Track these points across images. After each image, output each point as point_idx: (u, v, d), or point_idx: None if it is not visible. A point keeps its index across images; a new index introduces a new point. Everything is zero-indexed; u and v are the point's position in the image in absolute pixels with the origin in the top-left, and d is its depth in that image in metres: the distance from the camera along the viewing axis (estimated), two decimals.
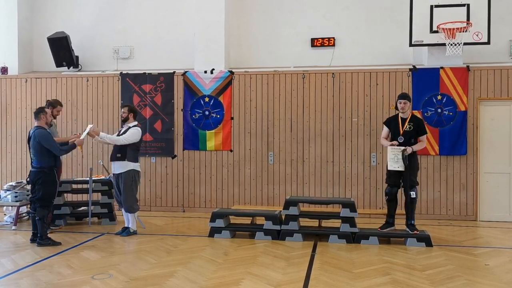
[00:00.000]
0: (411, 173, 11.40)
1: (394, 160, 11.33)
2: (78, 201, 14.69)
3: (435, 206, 14.50)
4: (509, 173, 14.22)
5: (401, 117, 11.67)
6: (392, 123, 11.78)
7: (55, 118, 12.99)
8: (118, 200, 12.57)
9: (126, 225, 12.54)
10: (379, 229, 11.77)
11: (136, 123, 12.58)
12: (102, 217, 13.86)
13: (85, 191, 14.12)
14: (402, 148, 11.29)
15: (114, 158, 12.31)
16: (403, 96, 11.72)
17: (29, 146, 11.59)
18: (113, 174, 12.48)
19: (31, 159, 11.50)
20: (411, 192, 11.42)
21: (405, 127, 11.53)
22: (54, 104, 12.86)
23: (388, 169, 11.46)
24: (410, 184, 11.41)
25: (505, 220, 14.17)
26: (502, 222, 14.07)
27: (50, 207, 11.67)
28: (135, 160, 12.36)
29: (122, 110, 12.65)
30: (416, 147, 11.46)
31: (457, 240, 12.09)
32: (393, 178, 11.56)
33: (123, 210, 12.45)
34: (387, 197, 11.77)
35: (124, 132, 12.29)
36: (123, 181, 12.20)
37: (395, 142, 11.42)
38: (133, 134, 12.23)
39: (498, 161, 14.28)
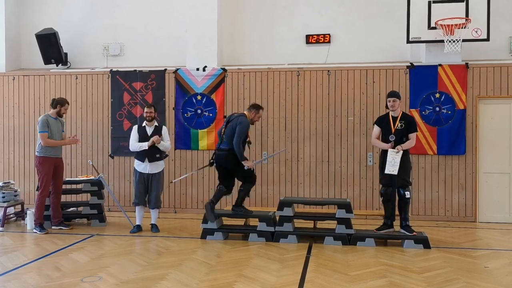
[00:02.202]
0: (404, 173, 11.38)
1: (391, 164, 11.31)
2: (68, 201, 14.61)
3: (433, 207, 14.49)
4: (509, 173, 14.23)
5: (392, 116, 11.66)
6: (383, 122, 11.77)
7: (61, 116, 13.30)
8: (140, 200, 12.90)
9: (152, 222, 13.14)
10: (375, 231, 11.76)
11: (157, 122, 13.19)
12: (92, 218, 13.79)
13: (74, 191, 14.13)
14: (397, 151, 11.29)
15: (154, 158, 12.84)
16: (392, 94, 11.69)
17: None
18: (144, 173, 12.82)
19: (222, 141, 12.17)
20: (405, 192, 11.42)
21: (396, 125, 11.51)
22: (62, 103, 13.22)
23: (385, 172, 11.45)
24: (403, 184, 11.40)
25: (504, 222, 14.18)
26: (502, 224, 14.08)
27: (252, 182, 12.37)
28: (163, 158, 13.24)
29: (148, 110, 12.96)
30: (405, 146, 11.42)
31: (455, 241, 12.08)
32: (388, 178, 11.54)
33: (149, 207, 13.01)
34: (382, 197, 11.75)
35: (155, 132, 12.87)
36: (159, 179, 12.94)
37: (399, 147, 11.37)
38: (168, 134, 13.40)
39: (497, 160, 14.29)
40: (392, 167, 11.29)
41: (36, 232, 12.74)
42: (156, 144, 12.60)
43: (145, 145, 12.63)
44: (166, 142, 12.91)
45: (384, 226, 11.74)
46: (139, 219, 13.01)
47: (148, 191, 12.88)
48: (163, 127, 13.16)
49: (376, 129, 11.84)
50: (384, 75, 14.71)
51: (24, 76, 16.53)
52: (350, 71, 14.88)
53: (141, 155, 12.77)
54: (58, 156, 13.02)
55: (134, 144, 12.77)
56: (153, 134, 12.74)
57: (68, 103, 13.30)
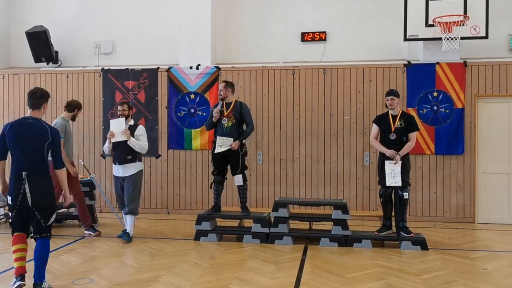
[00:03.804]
0: (403, 173, 11.36)
1: (391, 175, 11.29)
2: (58, 202, 14.59)
3: (431, 207, 14.51)
4: (508, 173, 14.24)
5: (391, 114, 11.65)
6: (382, 120, 11.76)
7: (74, 120, 13.08)
8: (121, 205, 12.37)
9: (125, 228, 12.37)
10: (376, 233, 11.74)
11: (133, 121, 12.45)
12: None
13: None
14: (395, 161, 11.26)
15: (124, 160, 12.07)
16: (390, 93, 11.67)
17: None
18: (118, 176, 12.24)
19: None
20: (404, 193, 11.41)
21: (396, 124, 11.50)
22: (79, 106, 13.05)
23: (387, 185, 11.41)
24: (402, 185, 11.39)
25: (503, 222, 14.19)
26: (501, 225, 14.09)
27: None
28: (141, 159, 12.46)
29: (121, 107, 12.24)
30: (405, 150, 11.40)
31: (454, 243, 12.10)
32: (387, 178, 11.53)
33: (123, 212, 12.33)
34: (381, 199, 11.74)
35: (130, 131, 12.11)
36: (133, 182, 12.11)
37: (397, 157, 11.34)
38: (146, 134, 12.38)
39: (496, 160, 14.30)
40: (393, 178, 11.25)
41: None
42: (128, 142, 11.88)
43: (105, 147, 12.36)
44: (142, 142, 12.10)
45: (385, 228, 11.73)
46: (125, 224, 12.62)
47: None
48: (139, 126, 12.42)
49: (375, 128, 11.81)
50: (381, 73, 14.71)
51: (14, 75, 16.50)
52: (346, 70, 14.88)
53: (113, 157, 12.35)
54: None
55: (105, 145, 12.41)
56: None
57: (81, 107, 13.17)
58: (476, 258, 10.72)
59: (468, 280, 9.14)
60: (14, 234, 8.57)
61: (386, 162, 11.33)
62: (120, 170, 12.14)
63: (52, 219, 8.58)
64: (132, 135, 12.00)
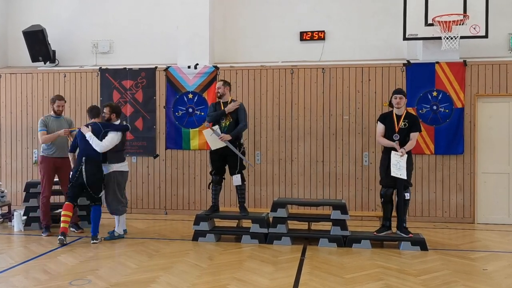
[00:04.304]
0: (406, 174, 11.35)
1: (397, 167, 11.26)
2: (56, 203, 14.57)
3: (431, 208, 14.50)
4: (508, 173, 14.24)
5: (396, 114, 11.62)
6: (386, 119, 11.71)
7: (58, 114, 13.16)
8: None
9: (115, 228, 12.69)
10: (375, 233, 11.73)
11: (118, 122, 12.54)
12: (81, 219, 13.73)
13: (63, 192, 14.04)
14: (401, 154, 11.24)
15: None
16: (398, 91, 11.62)
17: None
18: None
19: None
20: (405, 193, 11.40)
21: (400, 124, 11.48)
22: (52, 99, 13.20)
23: (391, 175, 11.39)
24: (404, 185, 11.37)
25: (503, 223, 14.19)
26: (501, 225, 14.09)
27: None
28: (118, 160, 12.36)
29: (104, 110, 12.54)
30: (408, 148, 11.37)
31: (453, 243, 12.09)
32: (389, 179, 11.50)
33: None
34: (382, 199, 11.71)
35: (105, 135, 12.12)
36: (106, 183, 12.24)
37: (403, 150, 11.32)
38: (111, 140, 12.11)
39: (496, 160, 14.30)
40: (399, 170, 11.21)
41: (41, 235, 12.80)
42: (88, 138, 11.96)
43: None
44: (104, 141, 11.96)
45: (384, 228, 11.72)
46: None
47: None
48: (110, 132, 12.17)
49: (380, 126, 11.73)
50: (380, 73, 14.70)
51: (11, 74, 16.48)
52: (345, 69, 14.87)
53: None
54: (60, 156, 12.84)
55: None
56: (104, 134, 12.20)
57: (59, 99, 13.11)
58: (476, 258, 10.71)
59: (468, 280, 9.14)
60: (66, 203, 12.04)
61: (393, 152, 11.25)
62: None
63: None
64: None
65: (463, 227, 13.91)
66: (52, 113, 13.09)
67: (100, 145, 11.93)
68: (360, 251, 11.23)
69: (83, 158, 11.82)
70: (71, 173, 12.12)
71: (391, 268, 9.92)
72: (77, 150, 12.19)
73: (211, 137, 11.99)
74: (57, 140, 12.77)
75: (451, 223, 14.26)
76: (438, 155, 14.41)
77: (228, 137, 11.90)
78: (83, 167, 11.78)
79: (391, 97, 11.76)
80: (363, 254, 10.99)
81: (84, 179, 11.78)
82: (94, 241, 11.82)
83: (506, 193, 14.27)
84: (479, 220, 14.33)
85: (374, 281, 9.13)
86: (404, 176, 11.20)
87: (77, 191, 11.98)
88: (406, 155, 11.24)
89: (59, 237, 11.60)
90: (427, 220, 14.41)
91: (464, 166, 14.35)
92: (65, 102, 13.43)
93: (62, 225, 11.75)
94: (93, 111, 12.55)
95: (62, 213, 11.86)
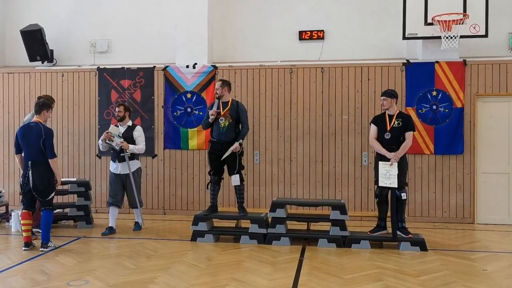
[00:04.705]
0: (400, 174, 11.33)
1: (385, 176, 11.26)
2: (54, 203, 14.60)
3: (430, 208, 14.50)
4: (508, 173, 14.24)
5: (388, 114, 11.66)
6: (379, 120, 11.76)
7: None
8: (113, 200, 13.07)
9: (111, 225, 13.04)
10: (369, 233, 11.76)
11: (131, 122, 13.26)
12: (79, 220, 13.75)
13: (61, 192, 14.00)
14: (391, 163, 11.23)
15: (122, 159, 12.92)
16: (383, 93, 11.78)
17: None
18: (117, 174, 13.04)
19: None
20: (401, 194, 11.39)
21: (392, 123, 11.50)
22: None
23: (380, 185, 11.41)
24: (399, 185, 11.34)
25: (503, 223, 14.19)
26: (501, 225, 14.09)
27: None
28: (138, 157, 13.25)
29: (118, 109, 13.11)
30: (401, 151, 11.38)
31: (453, 244, 12.10)
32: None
33: (112, 210, 13.11)
34: (377, 199, 11.74)
35: (127, 134, 12.97)
36: (134, 179, 12.99)
37: (395, 157, 11.33)
38: (143, 135, 13.33)
39: (496, 160, 14.30)
40: (388, 179, 11.20)
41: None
42: (125, 150, 12.73)
43: (99, 143, 13.09)
44: (140, 144, 13.03)
45: (378, 228, 11.74)
46: (112, 221, 13.06)
47: (124, 191, 13.18)
48: (137, 127, 13.26)
49: (373, 128, 11.78)
50: (380, 72, 14.70)
51: (8, 74, 16.47)
52: (344, 68, 14.87)
53: (112, 155, 13.15)
54: None
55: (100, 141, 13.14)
56: (124, 134, 12.90)
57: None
58: (475, 259, 10.71)
59: (468, 281, 9.13)
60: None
61: (380, 163, 11.30)
62: (119, 168, 12.96)
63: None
64: (131, 135, 12.95)
65: (463, 227, 13.91)
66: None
67: (142, 150, 13.20)
68: (359, 252, 11.22)
69: (29, 162, 11.13)
70: (20, 179, 11.53)
71: (390, 268, 9.91)
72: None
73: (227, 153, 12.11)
74: None
75: (451, 223, 14.25)
76: (438, 155, 14.40)
77: (238, 147, 11.98)
78: (30, 172, 11.10)
79: None
80: (362, 255, 10.98)
81: (31, 185, 11.09)
82: (43, 248, 11.33)
83: (506, 193, 14.27)
84: (479, 220, 14.33)
85: (373, 281, 9.12)
86: (395, 185, 11.19)
87: (30, 198, 11.28)
88: (396, 163, 11.25)
89: (23, 248, 11.22)
90: (426, 220, 14.41)
91: (464, 166, 14.35)
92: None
93: (24, 234, 11.36)
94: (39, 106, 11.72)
95: (21, 222, 11.53)
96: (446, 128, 14.27)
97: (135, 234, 12.90)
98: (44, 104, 11.50)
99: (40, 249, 11.26)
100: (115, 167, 12.99)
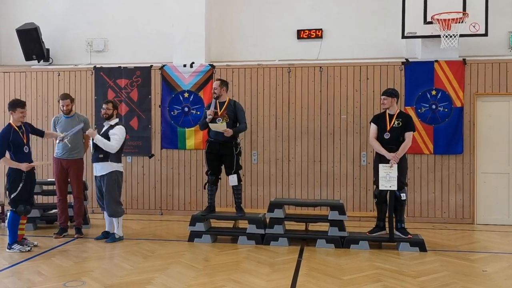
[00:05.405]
0: (400, 174, 11.33)
1: (386, 179, 11.26)
2: (49, 203, 14.58)
3: (430, 208, 14.50)
4: (508, 173, 14.24)
5: (388, 113, 11.67)
6: (379, 119, 11.78)
7: (64, 112, 12.82)
8: (99, 203, 12.44)
9: (107, 229, 12.49)
10: (367, 233, 11.76)
11: (117, 120, 12.45)
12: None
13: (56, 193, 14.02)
14: (391, 165, 11.23)
15: (96, 159, 12.12)
16: (383, 92, 11.83)
17: None
18: (95, 176, 12.32)
19: None
20: (401, 194, 11.39)
21: (392, 123, 11.50)
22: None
23: (380, 188, 11.41)
24: (399, 186, 11.33)
25: (503, 224, 14.19)
26: (501, 226, 14.09)
27: None
28: (118, 160, 12.23)
29: (105, 106, 12.26)
30: (401, 152, 11.39)
31: (452, 244, 12.11)
32: None
33: (105, 213, 12.39)
34: (376, 199, 11.75)
35: (106, 131, 12.10)
36: (105, 184, 12.04)
37: (395, 158, 11.33)
38: (122, 136, 12.11)
39: (496, 160, 14.29)
40: (388, 182, 11.20)
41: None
42: (95, 141, 11.92)
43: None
44: (112, 141, 11.89)
45: (377, 229, 11.75)
46: (106, 225, 12.60)
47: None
48: (118, 126, 12.15)
49: (373, 128, 11.79)
50: (378, 71, 14.69)
51: (4, 73, 16.44)
52: (343, 68, 14.86)
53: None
54: (68, 157, 12.60)
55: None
56: (105, 132, 12.12)
57: (63, 98, 12.75)
58: (475, 259, 10.72)
59: (467, 282, 9.14)
60: None
61: (380, 165, 11.29)
62: (96, 169, 12.24)
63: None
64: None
65: (463, 227, 13.91)
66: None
67: (112, 147, 11.91)
68: (358, 252, 11.22)
69: None
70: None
71: (389, 269, 9.91)
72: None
73: (215, 125, 11.92)
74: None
75: (450, 223, 14.25)
76: (437, 155, 14.40)
77: (231, 132, 11.83)
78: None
79: None
80: (361, 255, 10.98)
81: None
82: (7, 249, 11.24)
83: (506, 193, 14.26)
84: (479, 220, 14.33)
85: (372, 282, 9.12)
86: (395, 187, 11.20)
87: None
88: (396, 165, 11.24)
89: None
90: (426, 220, 14.41)
91: (464, 166, 14.35)
92: (72, 100, 12.92)
93: (18, 233, 11.43)
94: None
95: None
96: (446, 128, 14.26)
97: (133, 235, 12.85)
98: (9, 105, 11.84)
99: (7, 250, 11.26)
100: (94, 168, 12.35)
